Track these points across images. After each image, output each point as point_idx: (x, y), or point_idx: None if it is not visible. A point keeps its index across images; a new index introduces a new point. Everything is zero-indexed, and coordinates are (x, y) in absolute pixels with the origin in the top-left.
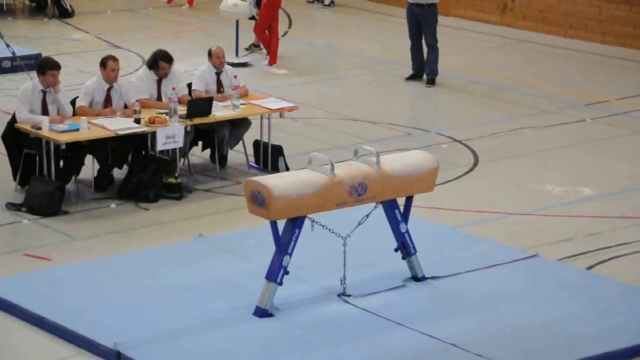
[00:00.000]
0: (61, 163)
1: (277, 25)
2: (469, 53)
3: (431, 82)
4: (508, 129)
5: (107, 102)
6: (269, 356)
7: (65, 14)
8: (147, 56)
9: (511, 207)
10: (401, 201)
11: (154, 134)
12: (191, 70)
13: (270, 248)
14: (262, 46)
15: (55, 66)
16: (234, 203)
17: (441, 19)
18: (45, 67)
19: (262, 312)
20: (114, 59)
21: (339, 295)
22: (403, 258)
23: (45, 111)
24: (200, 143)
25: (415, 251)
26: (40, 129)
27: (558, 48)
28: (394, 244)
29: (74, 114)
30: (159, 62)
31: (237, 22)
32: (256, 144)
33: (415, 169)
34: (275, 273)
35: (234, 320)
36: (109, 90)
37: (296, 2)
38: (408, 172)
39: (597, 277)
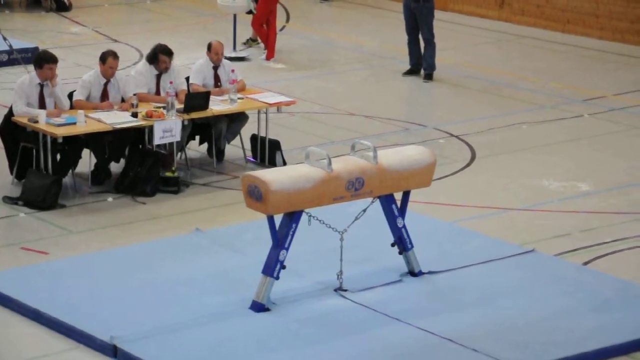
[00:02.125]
0: (58, 157)
1: (274, 19)
2: (467, 48)
3: (428, 77)
4: (505, 124)
5: (104, 95)
6: (266, 350)
7: (62, 7)
8: (144, 50)
9: (508, 202)
10: (398, 196)
11: (151, 127)
12: (189, 64)
13: (267, 242)
14: (259, 40)
15: (53, 60)
16: (231, 197)
17: (439, 14)
18: (43, 60)
19: (258, 307)
20: (115, 56)
21: (335, 290)
22: (400, 253)
23: (42, 104)
24: (197, 137)
25: (412, 246)
26: (37, 122)
27: (556, 43)
28: (391, 239)
29: (71, 107)
30: (160, 55)
31: (235, 16)
32: (253, 138)
33: (413, 164)
34: (272, 267)
35: (231, 315)
36: (106, 84)
37: None
38: (405, 167)
39: (593, 273)
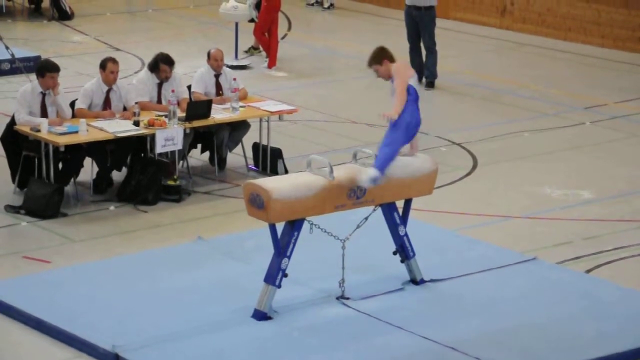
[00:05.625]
0: (60, 165)
1: (276, 28)
2: (468, 56)
3: (430, 85)
4: (507, 132)
5: (106, 104)
6: (267, 359)
7: (64, 16)
8: (146, 58)
9: (510, 210)
10: (400, 204)
11: (153, 136)
12: (190, 73)
13: (269, 251)
14: (261, 49)
15: (55, 68)
16: (233, 205)
17: (440, 22)
18: (45, 69)
19: (260, 315)
20: (114, 61)
21: (337, 298)
22: (402, 261)
23: (44, 113)
24: (199, 145)
25: (414, 254)
26: (39, 131)
27: (557, 51)
28: (393, 247)
29: (73, 116)
30: (160, 64)
31: (237, 24)
32: (255, 146)
33: (414, 172)
34: (274, 276)
35: (233, 323)
36: (108, 92)
37: (296, 5)
38: (407, 175)
39: (595, 281)
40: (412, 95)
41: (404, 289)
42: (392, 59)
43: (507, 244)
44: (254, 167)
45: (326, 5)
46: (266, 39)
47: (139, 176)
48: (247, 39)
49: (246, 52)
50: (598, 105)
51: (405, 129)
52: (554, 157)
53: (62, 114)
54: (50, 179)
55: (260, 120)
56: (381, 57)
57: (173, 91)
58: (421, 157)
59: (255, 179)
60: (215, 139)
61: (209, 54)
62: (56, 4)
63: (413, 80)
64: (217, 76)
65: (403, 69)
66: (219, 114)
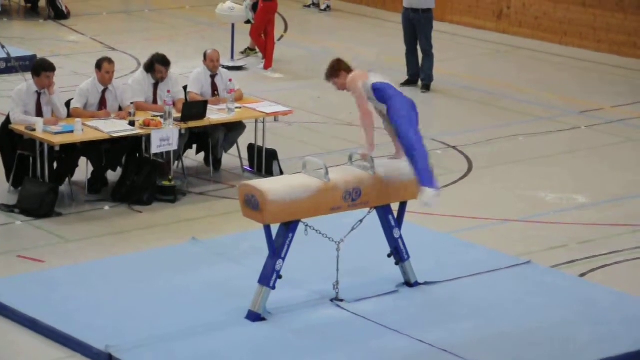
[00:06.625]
0: (55, 165)
1: (273, 29)
2: (464, 59)
3: (426, 87)
4: (502, 135)
5: (102, 104)
6: None
7: (60, 15)
8: (142, 59)
9: (505, 213)
10: (395, 206)
11: (148, 136)
12: (186, 73)
13: (264, 252)
14: (257, 50)
15: (50, 68)
16: (228, 206)
17: (437, 25)
18: (40, 68)
19: (254, 316)
20: (110, 61)
21: (331, 300)
22: (396, 263)
23: (39, 112)
24: (194, 146)
25: (409, 257)
26: (34, 130)
27: (553, 55)
28: (388, 250)
29: (69, 115)
30: (156, 65)
31: (233, 25)
32: (250, 147)
33: (410, 175)
34: (268, 277)
35: (227, 324)
36: (103, 92)
37: (292, 7)
38: (402, 177)
39: (589, 285)
40: (381, 91)
41: (398, 291)
42: (348, 70)
43: (502, 248)
44: (249, 169)
45: (323, 6)
46: (262, 40)
47: (133, 176)
48: (244, 40)
49: (242, 53)
50: (593, 110)
51: (401, 117)
52: (549, 161)
53: (57, 113)
54: (45, 178)
55: (256, 122)
56: (337, 69)
57: (169, 92)
58: None
59: (250, 180)
60: (210, 139)
61: (205, 55)
62: (52, 4)
63: (373, 77)
64: (213, 77)
65: (356, 78)
66: (215, 115)
